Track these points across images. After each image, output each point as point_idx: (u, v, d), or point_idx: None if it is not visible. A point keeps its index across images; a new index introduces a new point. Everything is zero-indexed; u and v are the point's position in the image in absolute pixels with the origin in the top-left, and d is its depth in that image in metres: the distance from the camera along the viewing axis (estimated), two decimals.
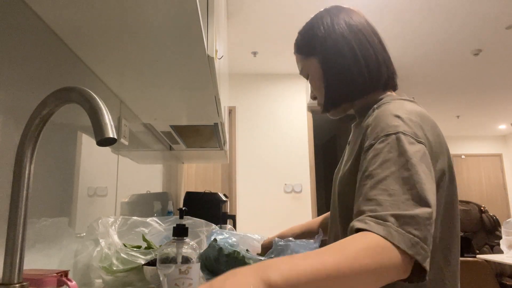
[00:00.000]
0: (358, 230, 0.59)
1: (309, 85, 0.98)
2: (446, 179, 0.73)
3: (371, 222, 0.58)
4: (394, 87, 0.90)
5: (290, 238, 0.94)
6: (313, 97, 0.97)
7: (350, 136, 0.94)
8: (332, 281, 0.51)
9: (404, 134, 0.67)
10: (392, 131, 0.68)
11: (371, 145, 0.69)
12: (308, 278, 0.50)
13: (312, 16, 0.97)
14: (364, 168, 0.68)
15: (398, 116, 0.71)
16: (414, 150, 0.66)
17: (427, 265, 0.57)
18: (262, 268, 0.50)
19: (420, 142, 0.68)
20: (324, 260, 0.52)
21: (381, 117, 0.73)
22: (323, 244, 0.93)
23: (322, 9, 0.94)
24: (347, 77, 0.85)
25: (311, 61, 0.92)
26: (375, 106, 0.81)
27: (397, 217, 0.58)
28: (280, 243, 0.89)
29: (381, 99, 0.84)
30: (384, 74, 0.86)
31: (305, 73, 0.96)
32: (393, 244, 0.55)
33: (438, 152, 0.72)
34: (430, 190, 0.62)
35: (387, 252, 0.55)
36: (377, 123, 0.73)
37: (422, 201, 0.60)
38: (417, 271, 0.58)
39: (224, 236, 1.01)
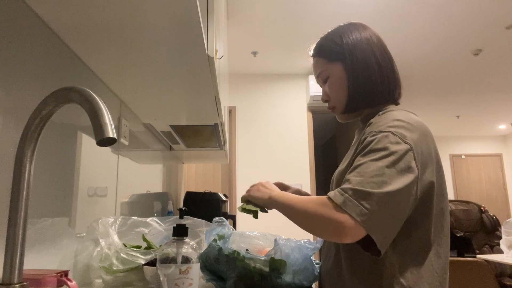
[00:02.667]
0: (328, 196, 0.77)
1: (322, 88, 1.02)
2: (434, 192, 0.81)
3: (336, 193, 0.75)
4: (398, 102, 0.98)
5: (292, 238, 0.94)
6: (325, 100, 1.02)
7: (354, 140, 1.00)
8: (293, 211, 0.84)
9: (393, 134, 0.78)
10: (385, 129, 0.80)
11: (365, 139, 0.82)
12: (286, 204, 0.87)
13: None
14: (353, 157, 0.82)
15: (398, 120, 0.82)
16: (398, 148, 0.76)
17: (373, 233, 0.71)
18: (273, 191, 0.95)
19: (406, 143, 0.77)
20: (297, 200, 0.84)
21: (382, 120, 0.84)
22: (323, 244, 0.94)
23: (346, 22, 1.02)
24: (371, 85, 0.93)
25: (335, 66, 0.97)
26: (380, 112, 0.90)
27: (355, 191, 0.73)
28: (281, 242, 0.89)
29: (386, 108, 0.92)
30: (398, 89, 0.97)
31: (324, 76, 1.00)
32: (345, 211, 0.72)
33: (428, 162, 0.80)
34: (395, 183, 0.73)
35: (333, 211, 0.73)
36: (378, 122, 0.84)
37: (383, 186, 0.72)
38: (371, 244, 0.73)
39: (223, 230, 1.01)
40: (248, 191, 1.02)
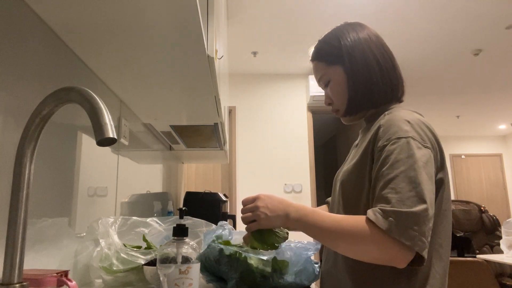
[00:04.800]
0: (368, 219, 0.73)
1: (325, 91, 1.01)
2: (444, 187, 0.82)
3: (378, 216, 0.72)
4: (401, 100, 0.97)
5: (293, 240, 0.93)
6: (328, 103, 1.01)
7: (358, 140, 1.00)
8: (327, 234, 0.77)
9: (413, 139, 0.77)
10: (403, 135, 0.78)
11: (384, 146, 0.79)
12: (317, 224, 0.78)
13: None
14: (378, 167, 0.78)
15: (408, 122, 0.80)
16: (421, 154, 0.76)
17: (425, 254, 0.70)
18: (288, 206, 0.82)
19: (426, 147, 0.78)
20: (330, 220, 0.77)
21: (394, 121, 0.82)
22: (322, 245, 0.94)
23: (342, 23, 1.00)
24: (373, 86, 0.91)
25: (335, 69, 0.96)
26: (386, 112, 0.88)
27: (398, 214, 0.70)
28: (282, 244, 0.89)
29: (391, 108, 0.91)
30: (401, 87, 0.95)
31: (325, 80, 0.99)
32: (393, 237, 0.69)
33: (441, 162, 0.81)
34: (430, 190, 0.74)
35: (379, 237, 0.71)
36: (390, 125, 0.82)
37: (422, 199, 0.71)
38: (416, 259, 0.71)
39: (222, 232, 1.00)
40: (250, 217, 0.82)
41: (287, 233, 0.84)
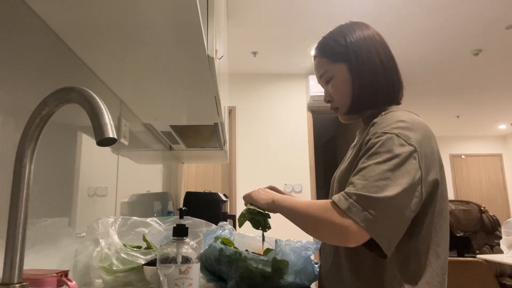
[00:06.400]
0: (332, 201, 0.77)
1: (325, 88, 1.01)
2: (438, 192, 0.82)
3: (341, 197, 0.75)
4: (400, 102, 0.98)
5: (292, 239, 0.94)
6: (328, 101, 1.01)
7: (355, 141, 0.99)
8: (297, 215, 0.84)
9: (397, 135, 0.78)
10: (389, 131, 0.79)
11: (369, 140, 0.82)
12: (290, 207, 0.86)
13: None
14: (358, 159, 0.82)
15: (401, 121, 0.81)
16: (402, 150, 0.76)
17: (379, 239, 0.72)
18: (272, 194, 0.94)
19: (410, 145, 0.77)
20: (301, 204, 0.84)
21: (386, 119, 0.83)
22: (322, 245, 0.94)
23: (348, 21, 1.00)
24: (377, 86, 0.92)
25: (339, 66, 0.95)
26: (383, 113, 0.89)
27: (359, 196, 0.73)
28: (281, 244, 0.89)
29: (389, 108, 0.92)
30: (401, 88, 0.96)
31: (327, 77, 0.98)
32: (350, 217, 0.72)
33: (432, 162, 0.80)
34: (399, 185, 0.74)
35: (337, 216, 0.74)
36: (381, 123, 0.83)
37: (387, 190, 0.73)
38: (379, 248, 0.73)
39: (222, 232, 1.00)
40: (247, 195, 0.99)
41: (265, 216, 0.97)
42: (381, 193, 0.72)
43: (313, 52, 1.02)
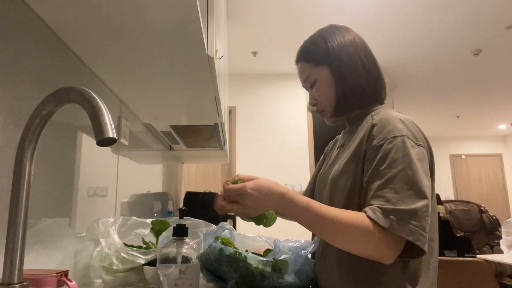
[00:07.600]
0: (368, 216, 0.74)
1: (310, 92, 1.02)
2: (433, 185, 0.85)
3: (379, 214, 0.73)
4: (383, 102, 1.00)
5: (291, 239, 0.93)
6: (313, 104, 1.02)
7: (340, 141, 1.03)
8: (319, 227, 0.77)
9: (407, 137, 0.80)
10: (398, 133, 0.80)
11: (381, 145, 0.81)
12: (315, 213, 0.76)
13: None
14: (374, 165, 0.80)
15: (401, 121, 0.83)
16: (415, 152, 0.79)
17: (426, 248, 0.73)
18: (281, 189, 0.78)
19: (419, 145, 0.80)
20: (331, 212, 0.76)
21: (387, 120, 0.84)
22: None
23: (327, 25, 1.01)
24: (359, 87, 0.93)
25: (321, 70, 0.97)
26: (373, 112, 0.91)
27: (399, 212, 0.72)
28: (280, 244, 0.89)
29: (375, 109, 0.94)
30: (384, 89, 0.98)
31: (311, 80, 1.00)
32: (394, 234, 0.71)
33: (429, 158, 0.84)
34: (427, 186, 0.77)
35: (379, 234, 0.72)
36: (384, 124, 0.83)
37: (420, 196, 0.74)
38: (416, 253, 0.74)
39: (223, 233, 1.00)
40: (239, 212, 0.76)
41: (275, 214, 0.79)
42: (417, 202, 0.73)
43: (295, 58, 1.04)
